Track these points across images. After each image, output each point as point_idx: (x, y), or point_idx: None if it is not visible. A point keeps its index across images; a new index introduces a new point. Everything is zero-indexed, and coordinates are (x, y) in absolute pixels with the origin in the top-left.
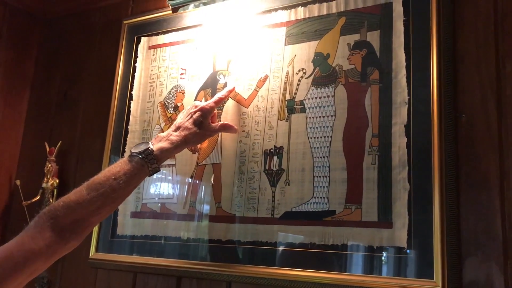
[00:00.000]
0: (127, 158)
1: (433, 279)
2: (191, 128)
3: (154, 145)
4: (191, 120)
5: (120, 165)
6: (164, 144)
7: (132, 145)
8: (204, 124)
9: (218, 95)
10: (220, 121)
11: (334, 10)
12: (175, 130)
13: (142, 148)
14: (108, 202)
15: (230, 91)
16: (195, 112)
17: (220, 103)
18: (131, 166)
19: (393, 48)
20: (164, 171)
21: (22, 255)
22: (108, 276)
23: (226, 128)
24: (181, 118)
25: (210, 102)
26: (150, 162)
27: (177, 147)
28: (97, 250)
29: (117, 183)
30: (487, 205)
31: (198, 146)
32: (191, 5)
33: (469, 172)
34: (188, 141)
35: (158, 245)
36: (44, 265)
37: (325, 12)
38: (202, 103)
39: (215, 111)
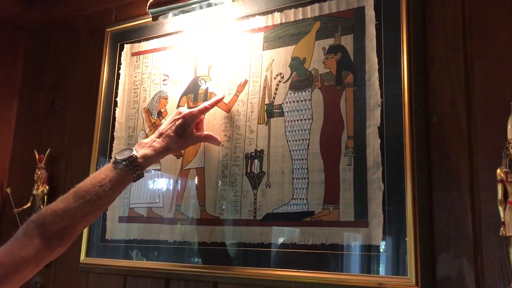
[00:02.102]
0: (112, 165)
1: (407, 275)
2: (173, 136)
3: (138, 152)
4: (173, 128)
5: (105, 172)
6: (147, 151)
7: (118, 150)
8: (187, 132)
9: (205, 104)
10: (203, 129)
11: (309, 15)
12: (158, 137)
13: (126, 155)
14: (94, 209)
15: (218, 101)
16: (178, 119)
17: (206, 112)
18: (116, 173)
19: (366, 51)
20: (150, 176)
21: (13, 263)
22: (99, 280)
23: (209, 139)
24: (165, 125)
25: (195, 110)
26: (134, 169)
27: (159, 154)
28: (87, 254)
29: (103, 190)
30: (458, 203)
31: (182, 151)
32: (170, 14)
33: (441, 171)
34: (170, 149)
35: (146, 249)
36: (33, 271)
37: (300, 17)
38: (186, 110)
39: (201, 118)
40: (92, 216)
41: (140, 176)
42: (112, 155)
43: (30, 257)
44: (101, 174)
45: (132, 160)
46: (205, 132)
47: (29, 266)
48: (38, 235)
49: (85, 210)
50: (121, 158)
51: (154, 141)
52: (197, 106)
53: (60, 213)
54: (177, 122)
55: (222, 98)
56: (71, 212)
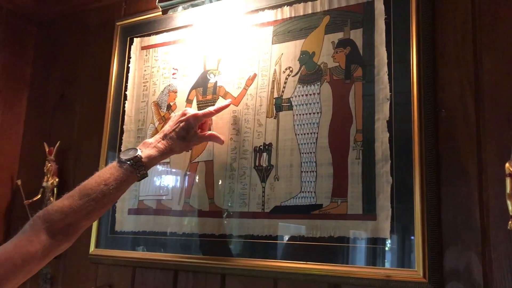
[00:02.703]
0: (117, 164)
1: (414, 268)
2: (176, 139)
3: (143, 152)
4: (177, 130)
5: (110, 171)
6: (152, 151)
7: (128, 144)
8: (190, 134)
9: (210, 108)
10: (212, 122)
11: (318, 9)
12: (163, 138)
13: (131, 155)
14: (98, 207)
15: (224, 107)
16: (182, 121)
17: (210, 116)
18: (120, 173)
19: (375, 45)
20: (159, 169)
21: (20, 257)
22: (108, 271)
23: (213, 138)
24: (169, 126)
25: (200, 113)
26: (138, 169)
27: (163, 155)
28: (97, 246)
29: (108, 189)
30: (466, 197)
31: None
32: (180, 7)
33: (449, 165)
34: (173, 150)
35: (155, 241)
36: (38, 265)
37: (310, 11)
38: (191, 112)
39: (206, 120)
40: (96, 214)
41: (144, 176)
42: (121, 148)
43: (37, 252)
44: (106, 173)
45: (137, 160)
46: (209, 132)
47: (36, 260)
48: (45, 230)
49: (90, 208)
50: (126, 157)
51: (158, 142)
52: (206, 99)
53: (66, 210)
54: (181, 125)
55: (229, 104)
56: (76, 210)
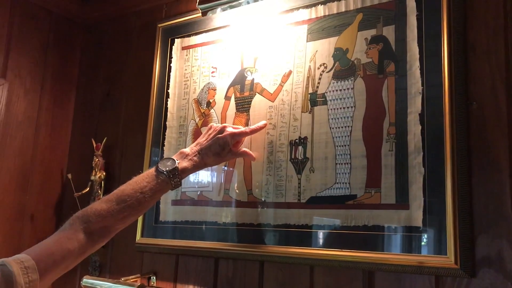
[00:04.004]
0: (155, 173)
1: (446, 255)
2: (212, 154)
3: (179, 164)
4: (213, 146)
5: (147, 180)
6: (187, 164)
7: (171, 139)
8: (225, 150)
9: (246, 129)
10: (249, 118)
11: (351, 7)
12: (199, 152)
13: (169, 166)
14: (133, 213)
15: (260, 128)
16: (219, 138)
17: (245, 136)
18: (156, 183)
19: (407, 41)
20: None
21: (60, 253)
22: (152, 259)
23: (245, 154)
24: (206, 139)
25: (236, 131)
26: (174, 180)
27: (197, 168)
28: (142, 235)
29: (143, 197)
30: (498, 186)
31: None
32: (219, 9)
33: (480, 156)
34: (207, 164)
35: (197, 230)
36: (74, 262)
37: (343, 9)
38: (229, 130)
39: (242, 138)
40: (131, 219)
41: (178, 186)
42: (165, 143)
43: (75, 249)
44: (143, 181)
45: (174, 172)
46: (242, 149)
47: (73, 257)
48: (83, 230)
49: (126, 213)
50: (164, 168)
51: (194, 155)
52: (243, 96)
53: (104, 213)
54: (218, 141)
55: (264, 125)
56: (113, 214)
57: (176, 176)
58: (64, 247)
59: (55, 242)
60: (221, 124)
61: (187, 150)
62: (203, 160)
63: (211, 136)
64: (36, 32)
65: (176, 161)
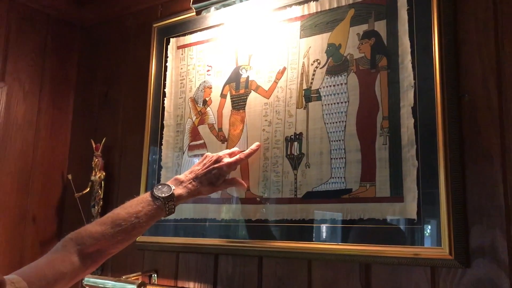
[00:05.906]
0: (150, 198)
1: (441, 246)
2: (206, 184)
3: (175, 190)
4: (208, 176)
5: (142, 205)
6: (182, 191)
7: (169, 138)
8: (220, 181)
9: (241, 155)
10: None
11: (343, 3)
12: (193, 179)
13: (165, 193)
14: (127, 237)
15: (253, 152)
16: (215, 169)
17: (241, 162)
18: (152, 208)
19: (399, 35)
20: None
21: (53, 276)
22: (153, 256)
23: (237, 183)
24: (201, 168)
25: (232, 161)
26: (169, 207)
27: (190, 195)
28: (143, 233)
29: (138, 222)
30: (490, 177)
31: (226, 136)
32: (213, 8)
33: (473, 148)
34: (201, 193)
35: (197, 227)
36: (66, 285)
37: (335, 5)
38: (225, 160)
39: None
40: (124, 244)
41: (172, 213)
42: (162, 142)
43: (67, 272)
44: (137, 205)
45: (170, 199)
46: (234, 178)
47: (65, 280)
48: (76, 253)
49: (120, 238)
50: (160, 195)
51: (189, 182)
52: (239, 93)
53: (98, 236)
54: (213, 172)
55: (258, 148)
56: (107, 237)
57: (171, 203)
58: (57, 269)
59: (47, 263)
60: (216, 154)
61: (181, 176)
62: (198, 189)
63: (206, 165)
64: (33, 35)
65: (172, 188)
